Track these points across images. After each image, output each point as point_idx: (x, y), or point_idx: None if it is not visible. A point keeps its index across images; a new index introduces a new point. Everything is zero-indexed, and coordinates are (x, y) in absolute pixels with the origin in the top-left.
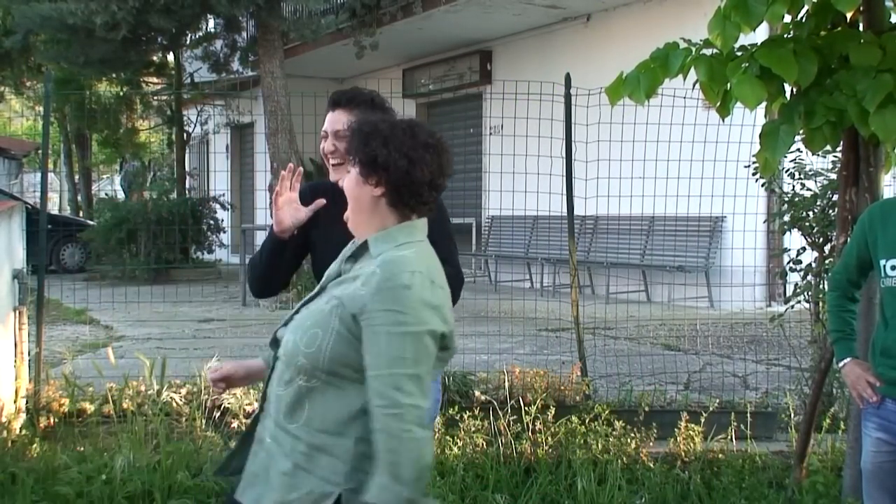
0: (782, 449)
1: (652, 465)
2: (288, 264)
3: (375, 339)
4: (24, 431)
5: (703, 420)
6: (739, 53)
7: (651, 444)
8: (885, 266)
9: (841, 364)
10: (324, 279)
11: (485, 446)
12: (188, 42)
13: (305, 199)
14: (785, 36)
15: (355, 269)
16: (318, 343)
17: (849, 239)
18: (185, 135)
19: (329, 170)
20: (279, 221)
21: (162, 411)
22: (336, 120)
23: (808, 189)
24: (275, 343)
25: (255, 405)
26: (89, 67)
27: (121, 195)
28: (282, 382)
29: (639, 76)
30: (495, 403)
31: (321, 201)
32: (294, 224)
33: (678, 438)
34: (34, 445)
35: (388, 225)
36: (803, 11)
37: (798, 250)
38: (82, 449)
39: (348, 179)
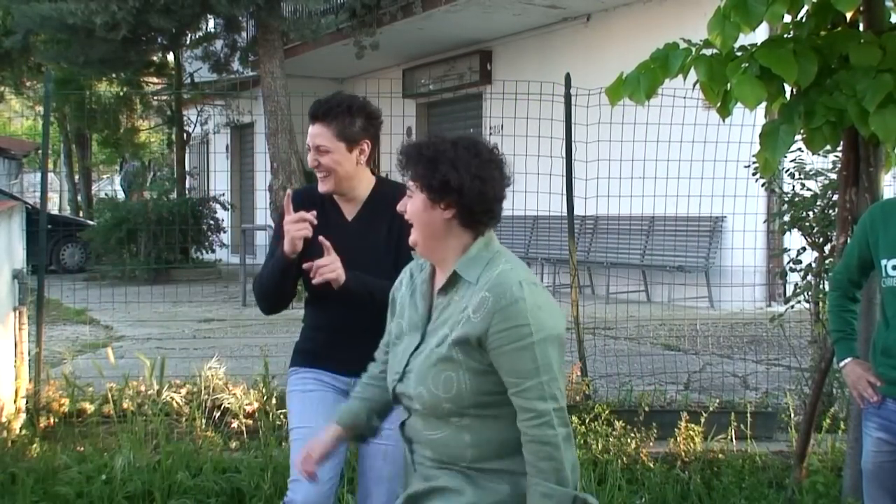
0: (782, 449)
1: (652, 465)
2: (295, 279)
3: (508, 359)
4: (24, 431)
5: (703, 420)
6: (739, 53)
7: (651, 444)
8: (886, 266)
9: (842, 364)
10: (416, 323)
11: None
12: (188, 42)
13: (298, 203)
14: (785, 36)
15: (455, 300)
16: (455, 385)
17: (849, 239)
18: (185, 135)
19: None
20: (294, 244)
21: (162, 411)
22: (316, 134)
23: (808, 189)
24: (396, 399)
25: (255, 405)
26: (89, 67)
27: (121, 195)
28: (429, 429)
29: (639, 76)
30: None
31: (312, 214)
32: (306, 237)
33: (678, 438)
34: (34, 445)
35: (465, 243)
36: (803, 11)
37: (798, 250)
38: (82, 449)
39: (413, 205)
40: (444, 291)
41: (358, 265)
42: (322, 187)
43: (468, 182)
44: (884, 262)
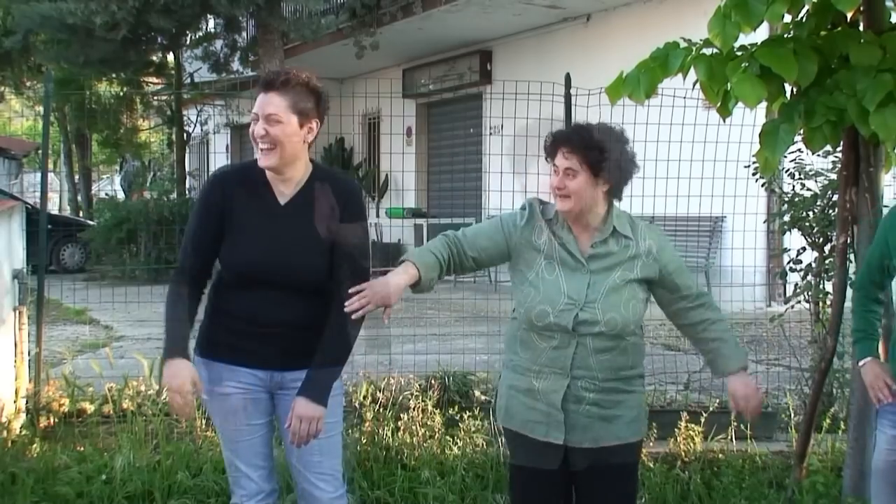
0: (782, 449)
1: (652, 465)
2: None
3: (680, 276)
4: (24, 431)
5: (703, 420)
6: (739, 53)
7: (651, 444)
8: None
9: (861, 363)
10: (574, 266)
11: (485, 446)
12: (188, 42)
13: (216, 188)
14: (785, 35)
15: (617, 250)
16: (639, 310)
17: (849, 239)
18: (185, 135)
19: (258, 159)
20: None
21: (162, 411)
22: (268, 102)
23: (808, 189)
24: (569, 328)
25: None
26: (89, 67)
27: (121, 195)
28: (602, 351)
29: (638, 76)
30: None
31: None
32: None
33: (678, 438)
34: (34, 445)
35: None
36: (803, 11)
37: (798, 250)
38: (82, 449)
39: (578, 183)
40: (604, 243)
41: (287, 250)
42: (263, 161)
43: (624, 162)
44: None
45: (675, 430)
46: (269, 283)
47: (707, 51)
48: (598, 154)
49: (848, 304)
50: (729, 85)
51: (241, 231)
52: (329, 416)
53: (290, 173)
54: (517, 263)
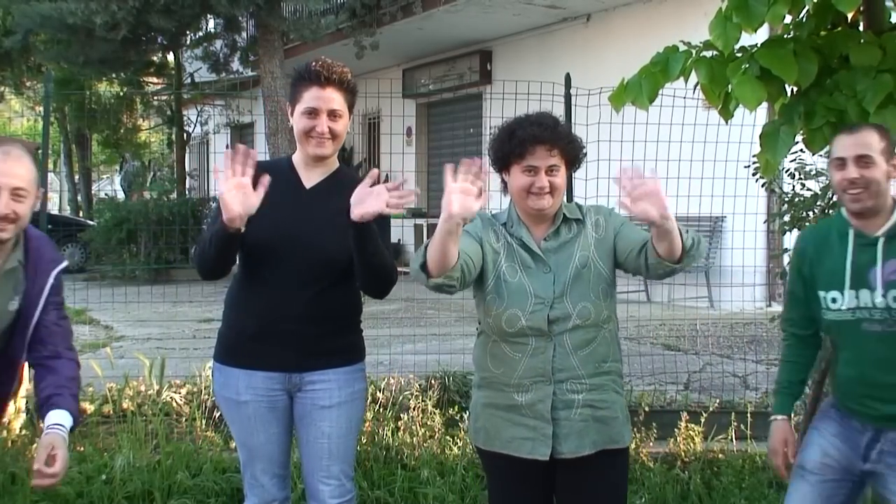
0: None
1: (652, 465)
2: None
3: (628, 233)
4: (24, 431)
5: (703, 420)
6: (739, 55)
7: (651, 444)
8: None
9: (772, 418)
10: (531, 263)
11: None
12: (188, 42)
13: (262, 172)
14: (785, 36)
15: (571, 238)
16: (610, 293)
17: None
18: (185, 135)
19: (311, 150)
20: (228, 207)
21: (162, 411)
22: (331, 98)
23: (809, 189)
24: (543, 328)
25: None
26: (89, 67)
27: (121, 195)
28: (582, 346)
29: (640, 81)
30: None
31: (267, 178)
32: (245, 212)
33: (678, 438)
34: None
35: None
36: (804, 12)
37: None
38: (82, 449)
39: (562, 178)
40: (555, 234)
41: (313, 225)
42: (320, 150)
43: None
44: None
45: (675, 430)
46: (290, 264)
47: (706, 53)
48: (573, 146)
49: None
50: (730, 87)
51: (265, 208)
52: (345, 420)
53: (328, 162)
54: (480, 272)
